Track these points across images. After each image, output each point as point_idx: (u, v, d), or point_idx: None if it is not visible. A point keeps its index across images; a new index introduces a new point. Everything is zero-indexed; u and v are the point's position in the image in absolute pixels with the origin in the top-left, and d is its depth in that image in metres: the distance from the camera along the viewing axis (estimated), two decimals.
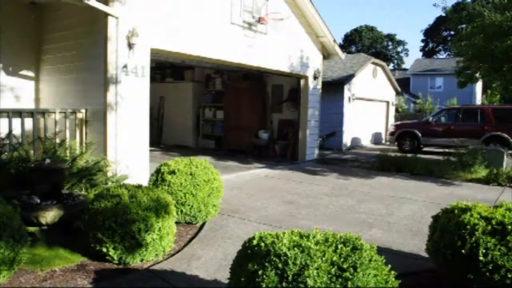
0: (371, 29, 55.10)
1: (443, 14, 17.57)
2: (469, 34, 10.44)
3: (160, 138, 14.22)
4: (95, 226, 3.70)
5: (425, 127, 14.59)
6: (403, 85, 30.45)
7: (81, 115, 6.09)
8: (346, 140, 15.51)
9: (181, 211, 4.89)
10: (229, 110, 12.84)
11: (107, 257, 3.71)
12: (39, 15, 6.92)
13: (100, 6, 5.53)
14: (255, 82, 12.75)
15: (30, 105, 6.91)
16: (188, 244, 4.40)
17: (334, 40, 11.07)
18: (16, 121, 5.37)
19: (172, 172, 5.04)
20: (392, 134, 15.41)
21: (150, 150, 6.97)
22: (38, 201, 3.97)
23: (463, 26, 11.79)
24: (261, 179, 8.43)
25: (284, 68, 9.91)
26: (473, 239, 3.02)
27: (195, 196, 4.93)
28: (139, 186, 4.15)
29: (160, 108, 14.29)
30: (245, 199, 6.52)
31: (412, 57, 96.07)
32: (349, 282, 2.09)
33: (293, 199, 6.63)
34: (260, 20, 8.56)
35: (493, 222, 3.05)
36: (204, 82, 13.66)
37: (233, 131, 12.74)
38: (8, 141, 5.14)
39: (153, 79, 8.94)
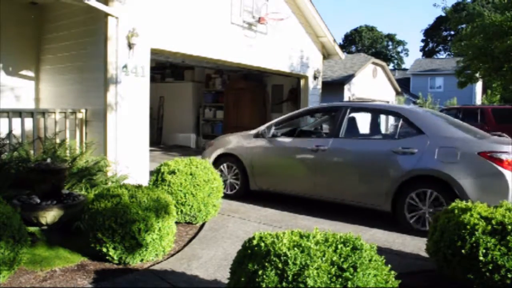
0: (371, 29, 55.15)
1: (443, 14, 17.57)
2: (469, 34, 10.46)
3: (160, 138, 14.23)
4: (95, 226, 3.70)
5: None
6: (403, 85, 30.46)
7: (81, 115, 6.09)
8: None
9: (181, 211, 4.89)
10: (229, 110, 12.84)
11: (107, 257, 3.71)
12: (39, 15, 6.92)
13: (100, 6, 5.53)
14: (255, 82, 12.76)
15: (30, 105, 6.91)
16: (188, 244, 4.40)
17: (334, 40, 11.08)
18: (16, 121, 5.37)
19: (172, 172, 5.04)
20: None
21: (150, 150, 6.97)
22: (38, 201, 3.97)
23: (463, 26, 11.80)
24: None
25: (284, 68, 9.92)
26: (473, 239, 3.02)
27: (195, 196, 4.93)
28: (139, 186, 4.16)
29: (160, 108, 14.29)
30: (245, 199, 6.52)
31: (412, 57, 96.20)
32: (349, 282, 2.09)
33: (293, 199, 6.63)
34: (260, 20, 8.56)
35: (493, 222, 3.06)
36: (204, 82, 13.67)
37: (233, 131, 12.73)
38: (8, 141, 5.15)
39: (153, 79, 8.95)
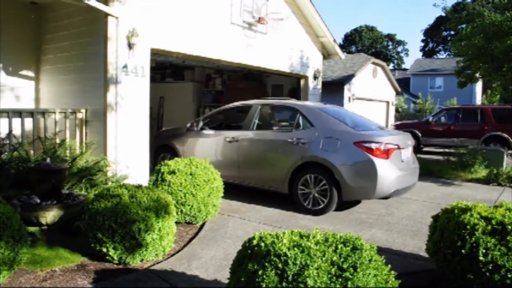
0: (371, 29, 55.16)
1: (443, 14, 17.58)
2: (469, 34, 10.43)
3: None
4: (95, 226, 3.70)
5: (425, 127, 14.59)
6: (403, 85, 30.48)
7: (81, 115, 6.09)
8: None
9: (181, 211, 4.89)
10: None
11: (107, 257, 3.71)
12: (39, 15, 6.92)
13: (100, 6, 5.53)
14: (255, 82, 12.75)
15: (30, 105, 6.91)
16: (188, 244, 4.41)
17: (334, 40, 11.07)
18: (16, 121, 5.37)
19: (172, 172, 5.04)
20: None
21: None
22: (38, 201, 3.97)
23: (463, 26, 11.79)
24: None
25: (284, 68, 9.91)
26: (473, 239, 3.02)
27: (195, 196, 4.93)
28: (139, 186, 4.16)
29: (160, 108, 14.26)
30: (245, 198, 6.52)
31: (412, 57, 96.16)
32: (349, 282, 2.09)
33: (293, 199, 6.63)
34: (260, 20, 8.56)
35: (493, 222, 3.05)
36: (204, 82, 13.66)
37: None
38: (8, 141, 5.14)
39: (153, 79, 8.94)
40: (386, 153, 5.50)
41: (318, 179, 5.73)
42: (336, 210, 6.07)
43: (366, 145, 5.47)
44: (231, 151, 6.65)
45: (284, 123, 6.79)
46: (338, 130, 5.81)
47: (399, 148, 5.76)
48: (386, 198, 5.85)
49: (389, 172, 5.48)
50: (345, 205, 6.31)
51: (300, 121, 6.24)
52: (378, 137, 5.65)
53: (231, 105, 7.30)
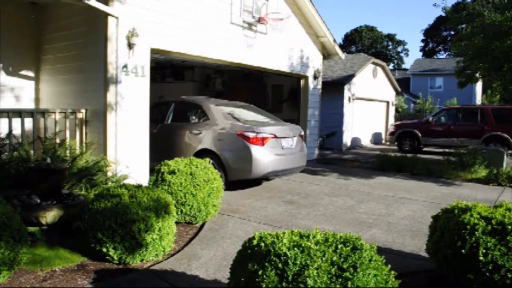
0: (371, 29, 55.13)
1: (443, 14, 17.59)
2: (469, 34, 10.45)
3: None
4: (95, 226, 3.70)
5: (425, 127, 14.58)
6: (403, 85, 30.46)
7: (81, 115, 6.09)
8: (346, 140, 15.51)
9: (181, 211, 4.89)
10: None
11: (107, 257, 3.71)
12: (39, 15, 6.92)
13: (100, 6, 5.53)
14: (255, 82, 12.74)
15: (30, 105, 6.92)
16: (188, 244, 4.40)
17: (334, 40, 11.08)
18: (16, 121, 5.37)
19: (172, 172, 5.04)
20: (392, 134, 15.40)
21: None
22: (38, 201, 3.97)
23: (463, 26, 11.80)
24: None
25: (284, 68, 9.92)
26: (473, 239, 3.02)
27: (195, 196, 4.93)
28: (139, 186, 4.15)
29: None
30: (245, 199, 6.52)
31: (412, 57, 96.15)
32: (349, 282, 2.09)
33: (293, 199, 6.63)
34: (260, 20, 8.56)
35: (493, 222, 3.05)
36: (204, 82, 13.65)
37: None
38: (8, 141, 5.15)
39: (153, 79, 8.94)
40: (262, 141, 6.69)
41: (212, 163, 6.49)
42: (336, 210, 6.07)
43: (245, 134, 6.63)
44: (154, 142, 7.35)
45: (190, 116, 7.72)
46: (228, 122, 6.92)
47: (276, 137, 6.90)
48: (266, 179, 6.88)
49: (264, 156, 6.64)
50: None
51: (201, 115, 7.39)
52: (256, 128, 6.77)
53: (156, 102, 8.24)
